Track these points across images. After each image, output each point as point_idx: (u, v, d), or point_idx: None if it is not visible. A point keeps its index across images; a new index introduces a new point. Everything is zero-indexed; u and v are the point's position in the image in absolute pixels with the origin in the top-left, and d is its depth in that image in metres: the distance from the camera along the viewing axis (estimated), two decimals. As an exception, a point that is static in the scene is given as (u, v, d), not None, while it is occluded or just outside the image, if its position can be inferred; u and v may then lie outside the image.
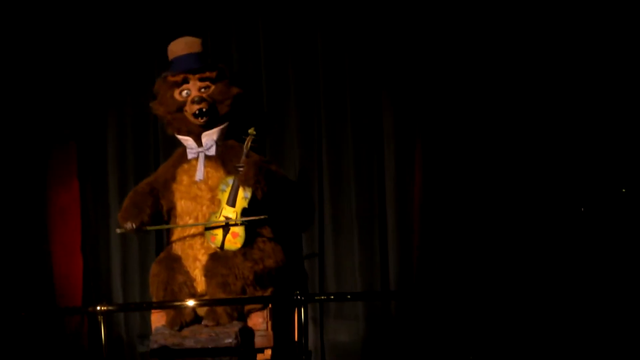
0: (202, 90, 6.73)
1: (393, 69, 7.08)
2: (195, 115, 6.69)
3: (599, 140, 6.73)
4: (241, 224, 6.51)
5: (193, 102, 6.68)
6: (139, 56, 7.36)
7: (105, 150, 7.49)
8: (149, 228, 6.68)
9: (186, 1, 7.33)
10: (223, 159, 6.71)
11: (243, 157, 6.56)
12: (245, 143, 6.60)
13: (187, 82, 6.74)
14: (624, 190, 6.56)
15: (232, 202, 6.55)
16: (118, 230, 6.70)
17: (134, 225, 6.61)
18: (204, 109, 6.67)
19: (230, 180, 6.57)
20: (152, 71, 7.33)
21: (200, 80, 6.74)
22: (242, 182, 6.52)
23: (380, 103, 7.13)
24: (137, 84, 7.37)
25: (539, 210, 6.74)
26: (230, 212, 6.54)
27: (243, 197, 6.54)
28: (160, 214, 6.73)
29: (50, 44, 7.40)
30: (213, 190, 6.63)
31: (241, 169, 6.53)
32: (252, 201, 6.54)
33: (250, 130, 6.61)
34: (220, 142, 6.76)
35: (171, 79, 6.76)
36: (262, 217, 6.53)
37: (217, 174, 6.68)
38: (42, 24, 7.37)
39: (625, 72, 6.71)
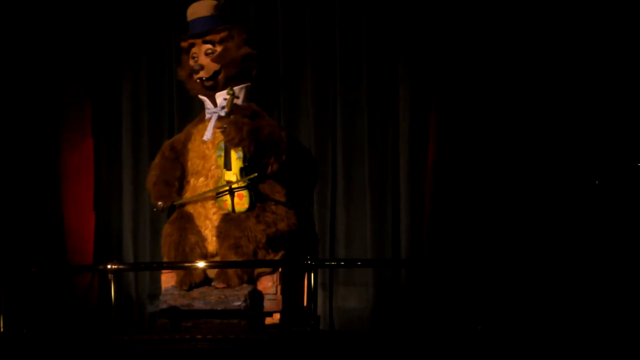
0: (208, 53, 6.74)
1: (410, 37, 7.04)
2: (200, 83, 6.75)
3: (618, 112, 6.70)
4: (243, 185, 6.48)
5: (193, 71, 6.74)
6: (155, 16, 7.34)
7: (120, 109, 7.49)
8: (176, 203, 6.71)
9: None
10: None
11: (226, 119, 6.58)
12: (227, 103, 6.59)
13: (194, 46, 6.78)
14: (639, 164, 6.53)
15: (228, 165, 6.54)
16: (154, 209, 6.76)
17: (166, 205, 6.68)
18: (203, 78, 6.72)
19: (222, 144, 6.57)
20: (168, 32, 7.35)
21: (205, 43, 6.76)
22: (228, 143, 6.52)
23: (396, 71, 7.09)
24: (153, 44, 7.36)
25: (553, 179, 6.72)
26: (230, 176, 6.54)
27: (237, 157, 6.53)
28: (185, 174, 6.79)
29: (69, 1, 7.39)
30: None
31: (223, 130, 6.52)
32: (250, 159, 6.53)
33: (228, 90, 6.61)
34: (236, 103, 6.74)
35: (182, 44, 6.86)
36: (252, 175, 6.49)
37: None
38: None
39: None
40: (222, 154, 6.55)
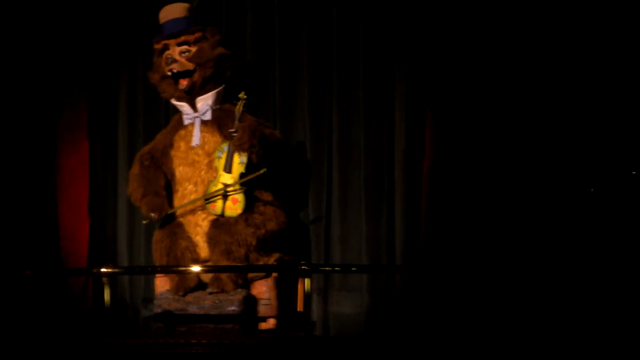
0: (183, 54, 6.69)
1: (406, 38, 7.03)
2: (172, 77, 6.68)
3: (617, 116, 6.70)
4: (240, 189, 6.48)
5: (166, 64, 6.68)
6: (152, 17, 7.30)
7: (116, 111, 7.49)
8: (170, 212, 6.67)
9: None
10: (219, 123, 6.69)
11: (236, 122, 6.53)
12: (237, 107, 6.57)
13: (168, 49, 6.73)
14: (634, 172, 6.52)
15: (228, 169, 6.53)
16: (145, 221, 6.74)
17: (161, 216, 6.64)
18: (174, 70, 6.64)
19: (225, 146, 6.56)
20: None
21: (179, 45, 6.71)
22: (237, 147, 6.50)
23: (392, 73, 7.08)
24: (149, 46, 7.31)
25: (549, 184, 6.70)
26: (227, 179, 6.53)
27: (239, 162, 6.52)
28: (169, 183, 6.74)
29: (67, 1, 7.37)
30: (210, 155, 6.62)
31: (235, 134, 6.50)
32: (249, 166, 6.52)
33: (241, 95, 6.60)
34: (215, 107, 6.72)
35: (155, 47, 6.80)
36: (260, 171, 6.48)
37: (213, 138, 6.67)
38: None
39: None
40: (223, 156, 6.53)
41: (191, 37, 6.71)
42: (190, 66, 6.68)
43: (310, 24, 7.20)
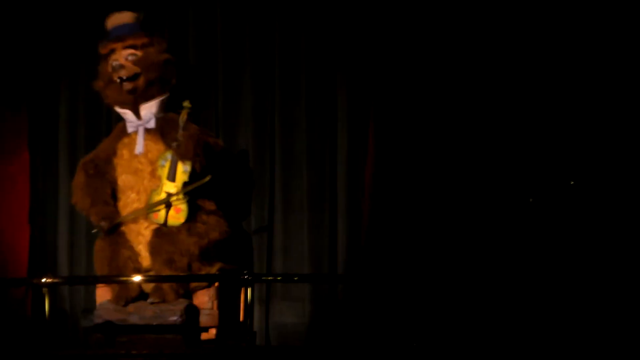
0: (129, 58, 6.65)
1: (348, 50, 7.07)
2: (119, 83, 6.62)
3: (551, 125, 6.77)
4: (183, 198, 6.46)
5: (113, 69, 6.63)
6: (94, 28, 7.26)
7: (56, 121, 7.45)
8: (119, 221, 6.60)
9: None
10: (162, 132, 6.64)
11: (180, 131, 6.51)
12: (181, 116, 6.55)
13: (114, 52, 6.68)
14: (572, 182, 6.60)
15: (172, 177, 6.50)
16: (94, 231, 6.65)
17: (111, 225, 6.56)
18: (124, 77, 6.60)
19: (168, 155, 6.52)
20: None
21: (125, 48, 6.66)
22: (181, 156, 6.47)
23: (334, 84, 7.11)
24: (91, 56, 7.27)
25: (488, 193, 6.76)
26: (171, 187, 6.49)
27: (183, 171, 6.50)
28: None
29: (6, 8, 7.31)
30: (153, 163, 6.58)
31: (178, 142, 6.49)
32: (192, 175, 6.49)
33: (185, 103, 6.58)
34: (159, 115, 6.69)
35: (101, 51, 6.74)
36: (205, 179, 6.46)
37: (156, 147, 6.63)
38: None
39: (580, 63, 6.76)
40: (167, 164, 6.51)
41: (138, 42, 6.68)
42: (136, 69, 6.63)
43: (253, 33, 7.21)
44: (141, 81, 6.64)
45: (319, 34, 7.11)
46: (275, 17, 7.18)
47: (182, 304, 6.38)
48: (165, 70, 6.69)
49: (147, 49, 6.68)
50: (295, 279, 6.98)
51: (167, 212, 6.49)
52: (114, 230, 6.59)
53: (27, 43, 7.37)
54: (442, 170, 6.85)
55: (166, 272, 6.40)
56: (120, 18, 6.73)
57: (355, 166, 7.04)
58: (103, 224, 6.56)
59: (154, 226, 6.52)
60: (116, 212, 6.61)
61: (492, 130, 6.83)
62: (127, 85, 6.62)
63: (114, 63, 6.65)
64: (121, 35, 6.67)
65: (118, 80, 6.61)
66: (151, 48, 6.69)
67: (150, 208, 6.49)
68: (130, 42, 6.66)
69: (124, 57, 6.65)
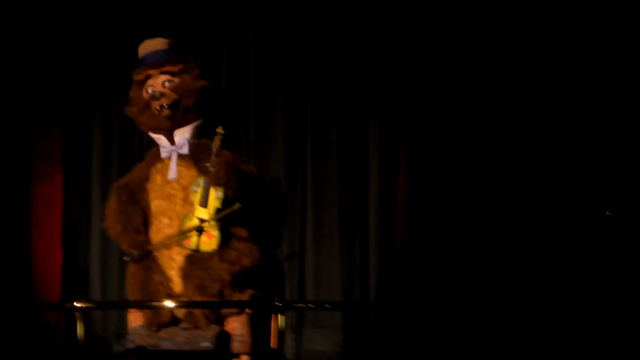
0: (166, 84, 6.68)
1: (381, 76, 7.09)
2: (158, 112, 6.65)
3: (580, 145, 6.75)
4: (215, 224, 6.47)
5: (153, 98, 6.64)
6: (128, 53, 7.30)
7: (90, 144, 7.48)
8: (151, 249, 6.61)
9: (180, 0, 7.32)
10: (195, 157, 6.65)
11: (213, 157, 6.52)
12: (214, 142, 6.57)
13: (150, 78, 6.70)
14: (607, 213, 6.57)
15: (204, 203, 6.50)
16: (126, 258, 6.64)
17: (142, 253, 6.57)
18: (164, 104, 6.62)
19: (201, 180, 6.53)
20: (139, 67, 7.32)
21: (162, 74, 6.69)
22: (213, 182, 6.48)
23: (367, 111, 7.12)
24: (124, 80, 7.29)
25: (523, 217, 6.74)
26: (203, 213, 6.49)
27: (215, 197, 6.49)
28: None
29: (41, 36, 7.37)
30: (186, 189, 6.58)
31: (211, 168, 6.50)
32: (225, 201, 6.50)
33: (219, 129, 6.58)
34: (193, 141, 6.70)
35: (136, 77, 6.76)
36: (234, 207, 6.44)
37: (189, 172, 6.63)
38: (35, 14, 7.33)
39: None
40: (199, 190, 6.51)
41: (175, 68, 6.69)
42: (175, 96, 6.66)
43: (285, 59, 7.23)
44: (179, 107, 6.67)
45: (351, 60, 7.13)
46: (307, 43, 7.20)
47: (213, 329, 6.39)
48: (201, 96, 6.72)
49: (183, 75, 6.71)
50: (327, 306, 6.98)
51: (199, 238, 6.49)
52: (145, 257, 6.61)
53: (61, 68, 7.43)
54: (473, 197, 6.84)
55: (197, 297, 6.40)
56: (154, 45, 6.75)
57: (386, 193, 7.04)
58: (133, 252, 6.59)
59: (186, 252, 6.53)
60: (146, 240, 6.62)
61: (524, 157, 6.82)
62: (166, 112, 6.65)
63: (151, 89, 6.67)
64: (157, 61, 6.69)
65: (159, 109, 6.63)
66: (187, 74, 6.72)
67: (182, 233, 6.50)
68: (167, 68, 6.68)
69: (160, 84, 6.68)
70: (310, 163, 7.17)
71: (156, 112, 6.65)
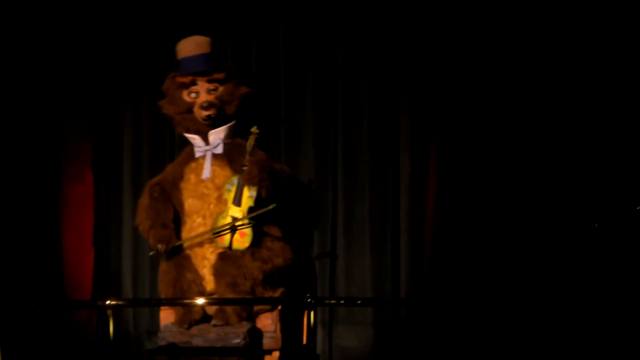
0: (211, 91, 6.72)
1: (411, 74, 7.09)
2: (204, 120, 6.71)
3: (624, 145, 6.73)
4: (248, 223, 6.49)
5: (202, 108, 6.69)
6: (157, 52, 7.35)
7: (120, 144, 7.50)
8: (176, 244, 6.66)
9: (209, -1, 7.37)
10: (229, 157, 6.70)
11: (247, 156, 6.56)
12: (248, 142, 6.60)
13: (195, 84, 6.73)
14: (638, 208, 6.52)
15: (238, 202, 6.54)
16: (151, 253, 6.71)
17: (168, 248, 6.62)
18: (212, 115, 6.69)
19: (235, 179, 6.57)
20: (169, 67, 7.32)
21: (209, 82, 6.73)
22: (247, 181, 6.51)
23: (397, 108, 7.12)
24: (154, 79, 7.34)
25: (553, 217, 6.73)
26: (236, 212, 6.53)
27: (248, 196, 6.53)
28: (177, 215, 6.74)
29: (71, 35, 7.41)
30: (220, 188, 6.62)
31: (245, 167, 6.53)
32: (258, 200, 6.53)
33: (253, 129, 6.63)
34: (227, 141, 6.75)
35: (180, 79, 6.76)
36: (269, 207, 6.49)
37: (223, 172, 6.68)
38: (64, 15, 7.38)
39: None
40: (233, 189, 6.54)
41: (221, 75, 6.74)
42: (219, 104, 6.71)
43: (315, 58, 7.25)
44: (221, 114, 6.72)
45: (382, 58, 7.14)
46: (337, 42, 7.21)
47: (245, 326, 6.41)
48: (242, 102, 6.77)
49: (227, 83, 6.75)
50: (358, 302, 6.99)
51: (232, 236, 6.52)
52: (173, 253, 6.64)
53: (91, 69, 7.46)
54: (503, 194, 6.83)
55: (229, 295, 6.43)
56: (196, 46, 6.74)
57: (417, 190, 7.04)
58: (159, 246, 6.62)
59: (218, 250, 6.56)
60: (174, 235, 6.65)
61: (554, 154, 6.80)
62: (212, 121, 6.71)
63: (201, 100, 6.69)
64: (205, 69, 6.69)
65: (205, 118, 6.68)
66: (231, 82, 6.77)
67: (215, 231, 6.53)
68: (215, 76, 6.72)
69: (206, 91, 6.73)
70: (341, 162, 7.18)
71: (200, 119, 6.70)
